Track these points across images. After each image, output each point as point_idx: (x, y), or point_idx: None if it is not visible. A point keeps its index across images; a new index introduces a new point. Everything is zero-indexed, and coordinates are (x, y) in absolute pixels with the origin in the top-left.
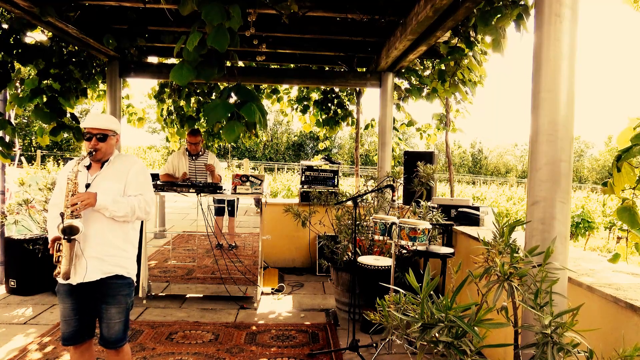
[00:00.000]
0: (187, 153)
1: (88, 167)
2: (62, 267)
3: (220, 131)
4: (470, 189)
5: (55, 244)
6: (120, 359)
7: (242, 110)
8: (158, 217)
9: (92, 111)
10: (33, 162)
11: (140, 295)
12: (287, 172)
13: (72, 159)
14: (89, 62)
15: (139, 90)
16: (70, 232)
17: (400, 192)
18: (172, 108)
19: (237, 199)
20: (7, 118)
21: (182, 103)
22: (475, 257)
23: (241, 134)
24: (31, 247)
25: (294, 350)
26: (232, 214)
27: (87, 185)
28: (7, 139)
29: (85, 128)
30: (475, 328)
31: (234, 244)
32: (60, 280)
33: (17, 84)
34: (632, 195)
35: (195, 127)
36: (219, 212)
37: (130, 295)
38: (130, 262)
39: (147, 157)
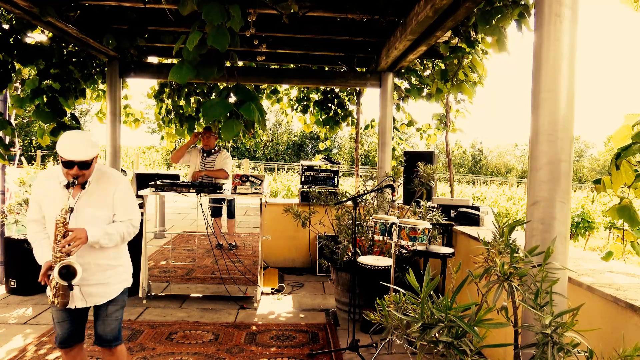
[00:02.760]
0: (201, 150)
1: (67, 186)
2: (59, 299)
3: (219, 130)
4: (470, 189)
5: (49, 275)
6: (116, 359)
7: (241, 109)
8: (158, 217)
9: (68, 135)
10: (33, 162)
11: (140, 295)
12: (287, 172)
13: None
14: (89, 62)
15: (139, 90)
16: (68, 275)
17: (400, 192)
18: (170, 107)
19: (234, 200)
20: (7, 118)
21: (182, 103)
22: (475, 257)
23: (240, 134)
24: (31, 247)
25: (294, 350)
26: (230, 215)
27: (71, 210)
28: (7, 139)
29: (63, 157)
30: (475, 328)
31: (233, 243)
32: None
33: (18, 85)
34: (628, 194)
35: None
36: (216, 212)
37: (126, 292)
38: (128, 270)
39: (146, 157)
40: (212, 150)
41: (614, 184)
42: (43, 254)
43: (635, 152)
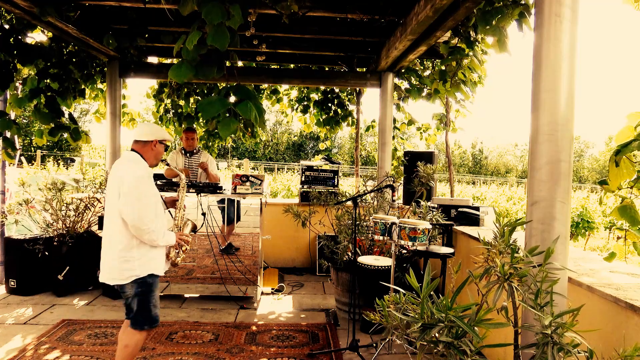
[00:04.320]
0: (182, 151)
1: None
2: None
3: (188, 127)
4: (470, 189)
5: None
6: None
7: (238, 107)
8: None
9: (141, 122)
10: (33, 162)
11: None
12: (287, 172)
13: (73, 159)
14: (89, 62)
15: (137, 91)
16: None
17: (400, 192)
18: (169, 106)
19: (238, 203)
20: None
21: (182, 103)
22: (476, 257)
23: (240, 134)
24: (31, 247)
25: (294, 350)
26: (229, 220)
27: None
28: (9, 136)
29: (168, 141)
30: (475, 328)
31: (236, 247)
32: (162, 273)
33: (18, 85)
34: (630, 194)
35: (194, 125)
36: (229, 220)
37: None
38: None
39: None
40: (194, 151)
41: (613, 181)
42: (171, 234)
43: (634, 149)
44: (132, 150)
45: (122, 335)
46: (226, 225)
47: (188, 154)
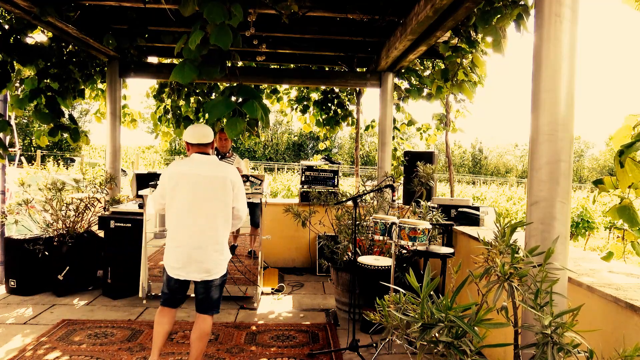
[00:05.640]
0: (216, 152)
1: None
2: None
3: (223, 128)
4: (470, 189)
5: None
6: None
7: (244, 107)
8: (158, 217)
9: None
10: (33, 162)
11: (140, 295)
12: (287, 172)
13: (73, 159)
14: (89, 62)
15: (137, 91)
16: None
17: (400, 192)
18: (169, 107)
19: (259, 203)
20: (6, 119)
21: (182, 103)
22: (476, 257)
23: (242, 133)
24: (31, 247)
25: (294, 350)
26: (254, 224)
27: None
28: (7, 140)
29: None
30: (475, 328)
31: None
32: None
33: (17, 84)
34: (628, 194)
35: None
36: (254, 223)
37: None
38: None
39: (146, 157)
40: (227, 153)
41: (620, 182)
42: None
43: (638, 149)
44: (202, 152)
45: (201, 325)
46: (251, 228)
47: (221, 156)
